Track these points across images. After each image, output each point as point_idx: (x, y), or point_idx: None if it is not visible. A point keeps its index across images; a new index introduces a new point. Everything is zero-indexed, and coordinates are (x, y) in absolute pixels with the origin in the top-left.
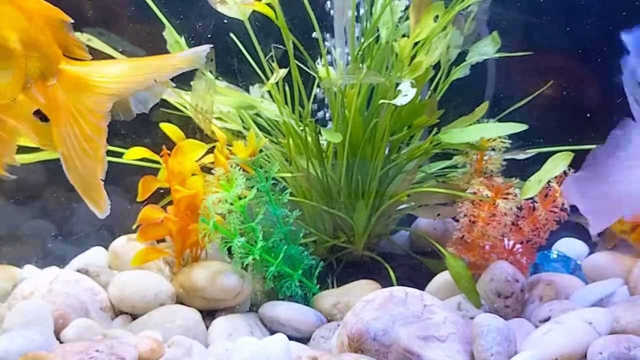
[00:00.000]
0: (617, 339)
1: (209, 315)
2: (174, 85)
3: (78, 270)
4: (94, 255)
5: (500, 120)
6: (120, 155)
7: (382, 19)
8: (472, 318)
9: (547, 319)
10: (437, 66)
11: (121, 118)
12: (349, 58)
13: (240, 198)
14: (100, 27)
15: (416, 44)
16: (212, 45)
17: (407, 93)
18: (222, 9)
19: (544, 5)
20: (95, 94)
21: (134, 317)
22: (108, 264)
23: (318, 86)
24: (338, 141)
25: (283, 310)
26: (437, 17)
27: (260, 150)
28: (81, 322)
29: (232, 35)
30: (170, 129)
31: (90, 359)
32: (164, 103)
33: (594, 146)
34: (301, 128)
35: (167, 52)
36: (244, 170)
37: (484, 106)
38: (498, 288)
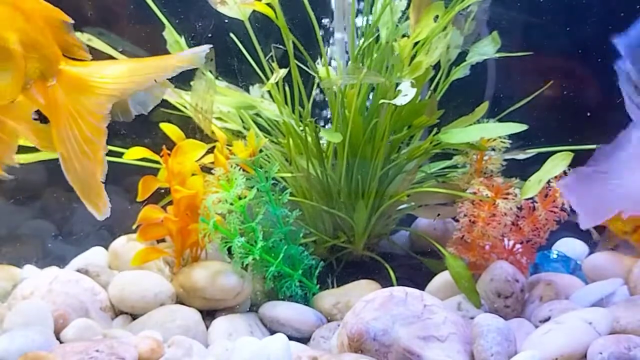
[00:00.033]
0: (617, 339)
1: (209, 315)
2: (174, 85)
3: (78, 270)
4: (94, 255)
5: (500, 120)
6: (120, 155)
7: (382, 19)
8: (472, 318)
9: (547, 319)
10: (437, 66)
11: (120, 119)
12: (349, 58)
13: (240, 198)
14: (100, 27)
15: (416, 44)
16: (211, 46)
17: (407, 93)
18: (222, 9)
19: (544, 5)
20: (95, 94)
21: (134, 317)
22: (108, 264)
23: (318, 86)
24: (338, 141)
25: (283, 310)
26: (437, 17)
27: (260, 150)
28: (81, 322)
29: (232, 35)
30: (170, 129)
31: (90, 359)
32: (164, 103)
33: (594, 146)
34: (301, 128)
35: (167, 52)
36: (244, 170)
37: (484, 106)
38: (498, 288)
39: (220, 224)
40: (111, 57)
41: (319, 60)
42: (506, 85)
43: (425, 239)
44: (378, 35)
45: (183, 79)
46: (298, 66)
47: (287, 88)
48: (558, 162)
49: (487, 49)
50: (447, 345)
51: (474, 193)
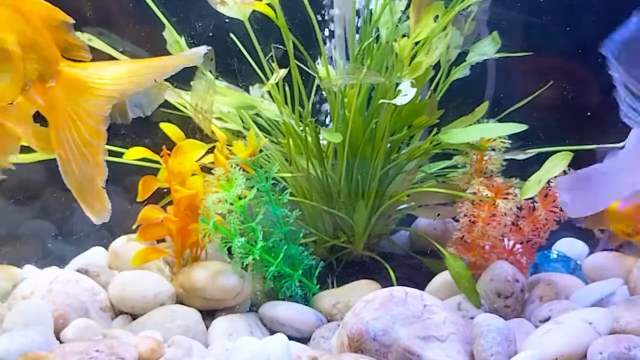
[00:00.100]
0: (617, 339)
1: (209, 315)
2: (174, 85)
3: (78, 270)
4: (94, 255)
5: (500, 121)
6: (120, 155)
7: (382, 19)
8: (472, 318)
9: (547, 319)
10: (437, 66)
11: (118, 121)
12: (349, 56)
13: (240, 198)
14: (100, 27)
15: (416, 44)
16: (210, 47)
17: (407, 93)
18: (222, 9)
19: (544, 5)
20: (94, 96)
21: (134, 317)
22: (108, 264)
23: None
24: (338, 141)
25: (283, 310)
26: (437, 17)
27: (260, 150)
28: (81, 322)
29: (232, 35)
30: (170, 129)
31: (90, 359)
32: (164, 103)
33: (594, 146)
34: (301, 128)
35: (167, 52)
36: (244, 170)
37: (484, 106)
38: (498, 288)
39: (220, 224)
40: (111, 57)
41: (318, 60)
42: (506, 86)
43: (425, 239)
44: (378, 35)
45: (183, 79)
46: (298, 66)
47: (287, 88)
48: (558, 162)
49: (487, 49)
50: (447, 345)
51: (474, 193)
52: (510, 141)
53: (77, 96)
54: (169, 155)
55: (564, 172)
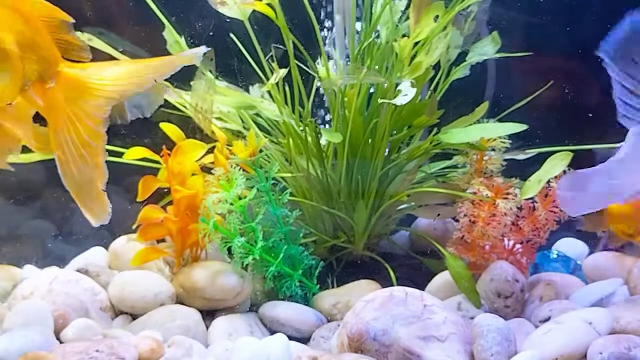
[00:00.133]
0: (617, 339)
1: (209, 315)
2: (174, 85)
3: (78, 270)
4: (94, 255)
5: (500, 121)
6: (120, 155)
7: (382, 19)
8: (472, 318)
9: (547, 319)
10: (437, 66)
11: (118, 122)
12: (349, 58)
13: (240, 198)
14: (100, 27)
15: (416, 44)
16: (209, 47)
17: (407, 93)
18: (222, 9)
19: (544, 5)
20: (94, 97)
21: (134, 317)
22: (108, 264)
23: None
24: (338, 141)
25: (283, 310)
26: (437, 17)
27: (260, 150)
28: (81, 322)
29: (232, 35)
30: (170, 129)
31: (90, 359)
32: (164, 103)
33: (594, 146)
34: (301, 128)
35: (167, 52)
36: (244, 170)
37: (484, 106)
38: (498, 288)
39: (220, 224)
40: (111, 57)
41: (318, 60)
42: (506, 86)
43: (425, 239)
44: (378, 35)
45: (183, 79)
46: (298, 66)
47: (287, 88)
48: (557, 162)
49: (487, 49)
50: (447, 345)
51: (474, 193)
52: (510, 141)
53: (77, 97)
54: (169, 155)
55: (564, 172)
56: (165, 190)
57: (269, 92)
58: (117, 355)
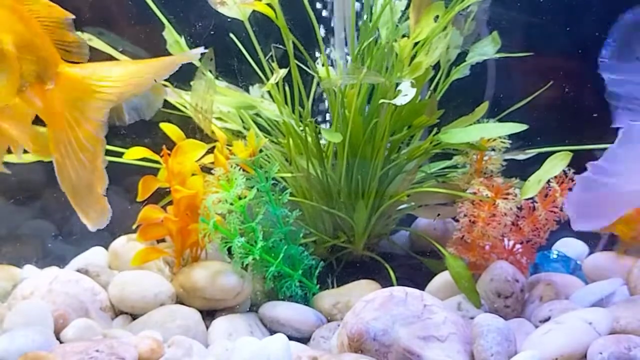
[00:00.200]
0: (617, 339)
1: (209, 315)
2: (174, 85)
3: (78, 270)
4: (94, 255)
5: (500, 121)
6: (120, 155)
7: (382, 19)
8: (472, 318)
9: (547, 319)
10: (437, 66)
11: (116, 123)
12: (349, 58)
13: (240, 198)
14: (100, 27)
15: (416, 44)
16: (207, 49)
17: (407, 93)
18: (222, 9)
19: (544, 5)
20: (94, 99)
21: (134, 317)
22: (108, 264)
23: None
24: (338, 141)
25: (283, 310)
26: (437, 17)
27: (260, 150)
28: (81, 322)
29: (232, 35)
30: (170, 129)
31: (90, 359)
32: (164, 103)
33: (593, 146)
34: (301, 128)
35: (167, 52)
36: (244, 170)
37: (484, 106)
38: (498, 288)
39: (220, 224)
40: (111, 57)
41: (318, 59)
42: (506, 86)
43: (425, 239)
44: (378, 35)
45: (183, 79)
46: (298, 66)
47: (287, 88)
48: (557, 162)
49: (487, 49)
50: (447, 345)
51: (474, 193)
52: (510, 141)
53: (76, 99)
54: (169, 155)
55: (564, 172)
56: (166, 190)
57: (269, 92)
58: (117, 355)
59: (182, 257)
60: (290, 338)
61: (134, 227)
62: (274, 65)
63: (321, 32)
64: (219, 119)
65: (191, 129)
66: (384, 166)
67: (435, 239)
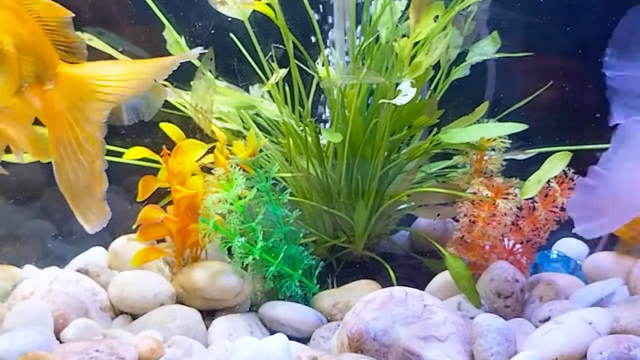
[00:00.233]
0: (617, 339)
1: (209, 315)
2: (174, 85)
3: (78, 270)
4: (94, 255)
5: (500, 121)
6: (120, 155)
7: (382, 19)
8: (472, 318)
9: (547, 319)
10: (437, 66)
11: (115, 124)
12: (349, 58)
13: (240, 198)
14: (100, 27)
15: (416, 44)
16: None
17: (407, 93)
18: (222, 9)
19: (544, 5)
20: (93, 99)
21: (134, 317)
22: (108, 264)
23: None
24: (338, 141)
25: (283, 310)
26: (437, 17)
27: (260, 150)
28: (81, 322)
29: (232, 35)
30: (170, 129)
31: (90, 359)
32: (163, 103)
33: (593, 146)
34: (301, 128)
35: (167, 52)
36: (244, 170)
37: (484, 106)
38: (498, 288)
39: (220, 224)
40: (111, 57)
41: (318, 59)
42: (506, 86)
43: (425, 239)
44: (378, 35)
45: (183, 79)
46: (298, 66)
47: (287, 88)
48: (557, 162)
49: (487, 49)
50: (447, 345)
51: (474, 193)
52: (510, 141)
53: (76, 99)
54: (169, 155)
55: (564, 172)
56: (166, 190)
57: (269, 92)
58: (117, 355)
59: (182, 257)
60: (290, 338)
61: (134, 227)
62: (274, 65)
63: (321, 32)
64: (219, 119)
65: (191, 129)
66: (384, 166)
67: (435, 239)
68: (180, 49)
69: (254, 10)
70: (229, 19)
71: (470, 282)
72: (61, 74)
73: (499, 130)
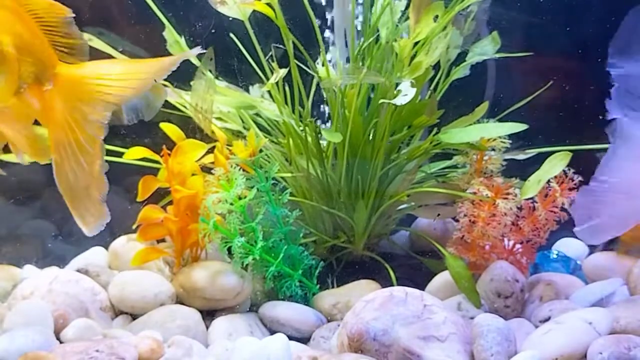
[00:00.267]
0: (617, 339)
1: (209, 315)
2: (174, 85)
3: (78, 270)
4: (94, 255)
5: (500, 121)
6: (120, 155)
7: (382, 19)
8: (472, 318)
9: (547, 319)
10: (437, 66)
11: (115, 123)
12: (349, 58)
13: (240, 198)
14: (100, 27)
15: (416, 44)
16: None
17: (407, 93)
18: (222, 9)
19: (544, 5)
20: (92, 99)
21: (134, 317)
22: (108, 264)
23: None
24: (338, 141)
25: (283, 310)
26: (437, 17)
27: (260, 150)
28: (81, 322)
29: (232, 35)
30: (170, 129)
31: (90, 359)
32: (164, 103)
33: (593, 146)
34: (301, 128)
35: (167, 52)
36: (244, 170)
37: (484, 106)
38: (498, 288)
39: (220, 224)
40: (111, 57)
41: (318, 59)
42: (506, 86)
43: (425, 239)
44: (378, 35)
45: (183, 79)
46: (298, 66)
47: (287, 88)
48: (557, 162)
49: (487, 49)
50: (447, 345)
51: (474, 193)
52: (510, 141)
53: (75, 99)
54: (169, 155)
55: (564, 172)
56: (166, 190)
57: (269, 92)
58: (117, 355)
59: (182, 257)
60: (290, 338)
61: (134, 227)
62: (274, 65)
63: (321, 32)
64: (219, 119)
65: (191, 129)
66: (384, 166)
67: (435, 239)
68: (180, 49)
69: (254, 10)
70: (229, 19)
71: (470, 282)
72: (60, 75)
73: (499, 130)
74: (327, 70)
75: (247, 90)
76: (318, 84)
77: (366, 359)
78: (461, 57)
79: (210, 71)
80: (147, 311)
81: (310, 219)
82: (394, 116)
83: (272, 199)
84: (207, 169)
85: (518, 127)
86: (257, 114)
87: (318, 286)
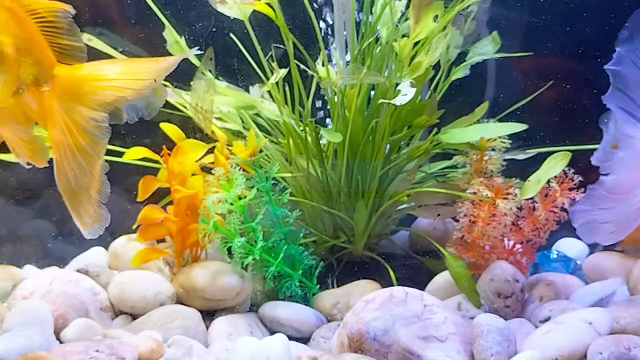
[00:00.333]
0: (617, 339)
1: (209, 315)
2: (174, 85)
3: (78, 271)
4: (94, 255)
5: (500, 121)
6: (120, 155)
7: (382, 19)
8: (472, 318)
9: (547, 319)
10: (437, 66)
11: (114, 123)
12: (349, 58)
13: (240, 198)
14: (100, 27)
15: (416, 44)
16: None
17: (406, 93)
18: (222, 9)
19: (544, 5)
20: (91, 100)
21: (134, 317)
22: (108, 264)
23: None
24: (338, 141)
25: (283, 310)
26: (437, 17)
27: (260, 150)
28: (81, 322)
29: (232, 35)
30: (170, 129)
31: (90, 359)
32: (163, 103)
33: (593, 146)
34: (301, 128)
35: (167, 52)
36: (244, 170)
37: (484, 106)
38: (498, 288)
39: (220, 224)
40: (111, 58)
41: (318, 59)
42: (506, 86)
43: (425, 239)
44: (378, 35)
45: (183, 79)
46: (298, 66)
47: (287, 88)
48: (556, 162)
49: (487, 49)
50: (447, 345)
51: (474, 193)
52: (510, 141)
53: (73, 101)
54: (169, 155)
55: (564, 172)
56: (166, 190)
57: (269, 92)
58: (117, 355)
59: (182, 257)
60: (290, 338)
61: (134, 227)
62: (274, 65)
63: (321, 32)
64: (219, 119)
65: (191, 129)
66: (384, 166)
67: (435, 239)
68: (180, 49)
69: (254, 10)
70: (229, 19)
71: (470, 282)
72: (58, 76)
73: (499, 130)
74: (327, 71)
75: (247, 90)
76: (318, 84)
77: (366, 359)
78: (461, 57)
79: (210, 71)
80: (147, 311)
81: (310, 219)
82: (394, 116)
83: (272, 199)
84: (207, 169)
85: (518, 127)
86: (257, 114)
87: (318, 286)
